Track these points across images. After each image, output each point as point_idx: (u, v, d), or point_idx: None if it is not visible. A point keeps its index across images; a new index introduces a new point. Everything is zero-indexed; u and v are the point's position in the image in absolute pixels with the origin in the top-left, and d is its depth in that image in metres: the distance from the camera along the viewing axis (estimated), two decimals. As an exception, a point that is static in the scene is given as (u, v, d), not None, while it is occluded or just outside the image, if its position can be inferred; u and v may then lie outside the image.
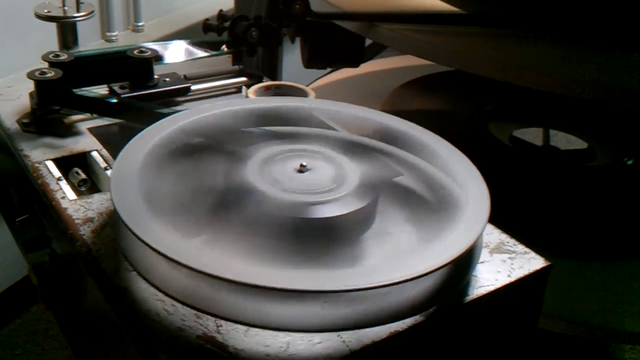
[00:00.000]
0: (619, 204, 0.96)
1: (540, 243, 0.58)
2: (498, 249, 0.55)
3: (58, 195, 0.59)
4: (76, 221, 0.55)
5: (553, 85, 0.75)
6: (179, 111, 0.62)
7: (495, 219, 0.52)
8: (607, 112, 1.10)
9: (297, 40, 0.92)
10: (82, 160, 0.66)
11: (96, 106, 0.71)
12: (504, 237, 0.56)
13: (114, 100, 0.71)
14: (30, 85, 0.69)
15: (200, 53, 0.82)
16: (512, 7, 0.88)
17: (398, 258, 0.49)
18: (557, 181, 0.99)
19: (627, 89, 0.74)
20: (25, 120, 0.70)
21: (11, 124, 0.70)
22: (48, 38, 0.84)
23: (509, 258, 0.54)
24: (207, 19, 0.86)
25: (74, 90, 0.69)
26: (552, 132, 1.18)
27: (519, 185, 0.95)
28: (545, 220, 0.91)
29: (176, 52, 0.81)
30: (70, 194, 0.59)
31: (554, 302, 0.66)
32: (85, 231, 0.54)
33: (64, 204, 0.58)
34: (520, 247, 0.55)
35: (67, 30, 0.79)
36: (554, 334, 0.80)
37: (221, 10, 0.86)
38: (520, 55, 0.81)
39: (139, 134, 0.57)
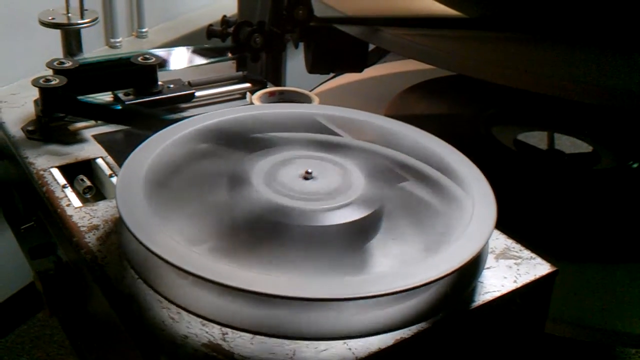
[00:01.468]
0: (623, 208, 0.96)
1: (544, 246, 0.58)
2: (504, 255, 0.55)
3: (63, 202, 0.59)
4: (81, 228, 0.55)
5: (553, 87, 0.75)
6: (184, 118, 0.62)
7: (500, 222, 0.52)
8: (612, 116, 1.10)
9: (301, 45, 0.92)
10: (87, 167, 0.66)
11: (101, 113, 0.71)
12: (510, 242, 0.56)
13: (119, 107, 0.72)
14: (35, 93, 0.69)
15: (204, 59, 0.82)
16: (512, 10, 0.88)
17: (404, 265, 0.49)
18: (562, 185, 0.99)
19: (628, 90, 0.73)
20: (30, 128, 0.70)
21: (16, 131, 0.70)
22: (52, 45, 0.84)
23: (515, 264, 0.54)
24: (210, 25, 0.86)
25: (79, 97, 0.69)
26: (556, 135, 1.18)
27: (524, 189, 0.95)
28: (550, 224, 0.90)
29: (180, 59, 0.81)
30: (76, 202, 0.59)
31: (557, 306, 0.66)
32: (90, 238, 0.54)
33: (69, 211, 0.58)
34: (526, 253, 0.55)
35: (72, 37, 0.79)
36: (557, 337, 0.79)
37: (225, 16, 0.86)
38: (521, 58, 0.81)
39: (145, 141, 0.57)
